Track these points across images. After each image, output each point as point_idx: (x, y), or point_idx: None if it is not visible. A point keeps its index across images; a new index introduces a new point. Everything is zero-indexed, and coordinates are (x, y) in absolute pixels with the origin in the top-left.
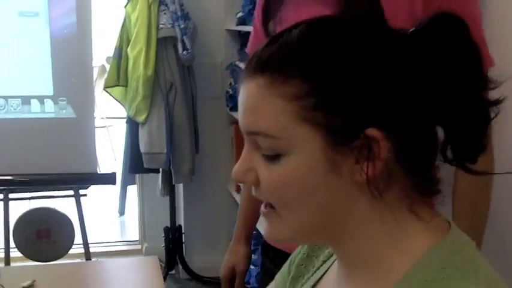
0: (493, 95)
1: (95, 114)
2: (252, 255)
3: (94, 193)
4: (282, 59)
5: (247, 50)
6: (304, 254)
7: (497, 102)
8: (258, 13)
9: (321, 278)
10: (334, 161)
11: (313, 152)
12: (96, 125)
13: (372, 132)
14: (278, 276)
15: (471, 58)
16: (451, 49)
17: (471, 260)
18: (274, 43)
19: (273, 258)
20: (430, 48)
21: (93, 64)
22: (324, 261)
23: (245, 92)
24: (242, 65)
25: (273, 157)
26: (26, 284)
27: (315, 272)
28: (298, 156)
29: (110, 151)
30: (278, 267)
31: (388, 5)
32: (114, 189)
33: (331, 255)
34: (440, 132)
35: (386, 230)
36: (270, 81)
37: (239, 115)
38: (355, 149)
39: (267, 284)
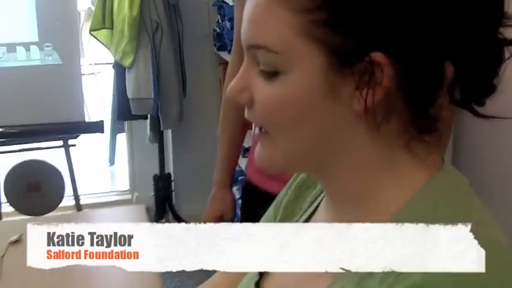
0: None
1: (82, 61)
2: None
3: (84, 143)
4: None
5: None
6: (291, 196)
7: None
8: None
9: (308, 218)
10: (334, 84)
11: (314, 72)
12: (84, 72)
13: (377, 56)
14: (263, 220)
15: None
16: None
17: (464, 200)
18: None
19: (253, 195)
20: None
21: (80, 7)
22: (311, 202)
23: (252, 2)
24: (230, 1)
25: (272, 74)
26: (13, 238)
27: (303, 214)
28: (297, 74)
29: (98, 98)
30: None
31: None
32: (104, 138)
33: (318, 195)
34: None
35: (382, 164)
36: None
37: (242, 27)
38: (357, 73)
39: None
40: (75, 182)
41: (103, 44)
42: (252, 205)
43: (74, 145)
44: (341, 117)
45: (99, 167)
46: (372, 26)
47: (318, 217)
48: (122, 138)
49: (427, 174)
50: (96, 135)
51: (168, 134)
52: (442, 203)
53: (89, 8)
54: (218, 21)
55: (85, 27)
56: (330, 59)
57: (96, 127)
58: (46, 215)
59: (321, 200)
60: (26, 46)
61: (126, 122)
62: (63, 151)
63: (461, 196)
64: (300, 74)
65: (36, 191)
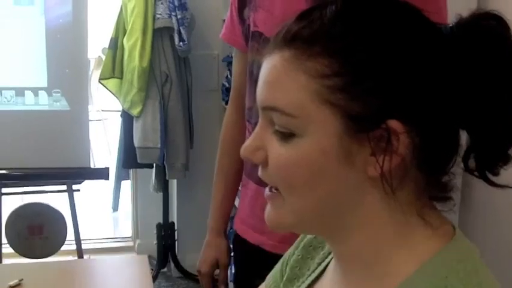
0: None
1: (90, 107)
2: None
3: (88, 188)
4: (312, 33)
5: (221, 35)
6: (299, 255)
7: None
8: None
9: (316, 279)
10: (349, 149)
11: (329, 136)
12: (91, 118)
13: (394, 124)
14: (269, 278)
15: (509, 62)
16: (490, 50)
17: (476, 271)
18: (305, 17)
19: (245, 251)
20: (468, 46)
21: (90, 55)
22: (319, 263)
23: (268, 64)
24: None
25: (287, 136)
26: (12, 283)
27: (310, 274)
28: (312, 138)
29: (105, 145)
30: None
31: None
32: (109, 184)
33: (326, 257)
34: (463, 140)
35: (393, 231)
36: (296, 55)
37: (258, 88)
38: (373, 139)
39: (241, 278)
40: (77, 226)
41: (112, 92)
42: (241, 256)
43: (78, 190)
44: (354, 182)
45: (103, 212)
46: (389, 93)
47: (326, 279)
48: (126, 185)
49: (439, 243)
50: (101, 181)
51: (173, 184)
52: (453, 273)
53: (99, 56)
54: (227, 76)
55: (94, 74)
56: (346, 125)
57: (101, 174)
58: (45, 260)
59: (329, 261)
60: (35, 91)
61: (131, 169)
62: (67, 195)
63: (472, 267)
64: (315, 138)
65: (38, 234)
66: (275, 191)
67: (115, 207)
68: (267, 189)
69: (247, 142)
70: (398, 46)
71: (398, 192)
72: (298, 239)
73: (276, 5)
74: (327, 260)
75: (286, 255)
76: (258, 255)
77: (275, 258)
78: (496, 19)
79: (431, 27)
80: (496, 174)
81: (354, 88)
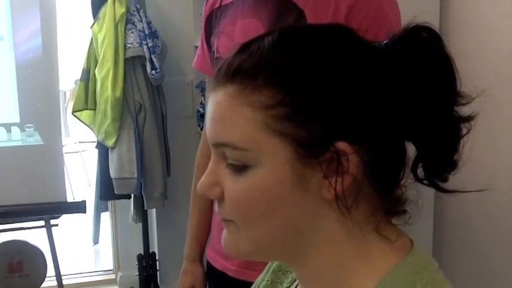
0: (465, 111)
1: (67, 140)
2: None
3: (67, 221)
4: (252, 66)
5: (193, 64)
6: (268, 280)
7: (468, 118)
8: (202, 27)
9: None
10: (302, 174)
11: (281, 165)
12: (69, 151)
13: (342, 145)
14: None
15: (444, 72)
16: (424, 62)
17: (432, 282)
18: (244, 50)
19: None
20: (402, 61)
21: (65, 88)
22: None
23: (213, 101)
24: None
25: (240, 168)
26: None
27: None
28: (265, 168)
29: (84, 177)
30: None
31: (312, 20)
32: (88, 217)
33: (295, 280)
34: (410, 150)
35: (352, 250)
36: (240, 89)
37: (207, 126)
38: (323, 162)
39: None
40: (57, 262)
41: (86, 124)
42: (210, 283)
43: (57, 225)
44: (310, 206)
45: (83, 246)
46: (333, 117)
47: None
48: (106, 217)
49: (397, 258)
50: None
51: (152, 213)
52: (411, 286)
53: (74, 87)
54: (201, 102)
55: (70, 106)
56: (296, 151)
57: (78, 207)
58: None
59: (297, 284)
60: (7, 127)
61: (109, 201)
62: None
63: (429, 278)
64: (267, 168)
65: (18, 272)
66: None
67: (95, 240)
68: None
69: (203, 178)
70: (334, 71)
71: (354, 210)
72: (269, 263)
73: (236, 31)
74: (295, 284)
75: (257, 280)
76: (223, 282)
77: (238, 284)
78: (427, 31)
79: (365, 46)
80: (445, 180)
81: (298, 116)
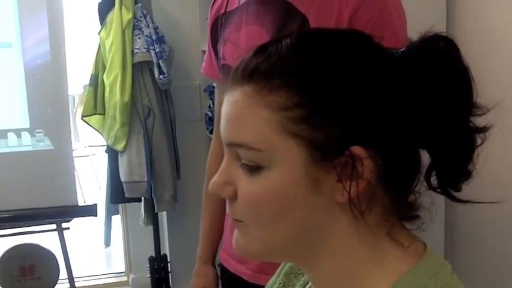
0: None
1: (77, 144)
2: None
3: (79, 224)
4: (270, 67)
5: (202, 69)
6: (280, 283)
7: (483, 129)
8: (208, 33)
9: None
10: (316, 178)
11: (295, 167)
12: (79, 155)
13: (357, 150)
14: None
15: (460, 82)
16: (441, 71)
17: (446, 285)
18: (263, 52)
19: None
20: (420, 69)
21: (74, 93)
22: None
23: (229, 100)
24: None
25: (254, 169)
26: None
27: None
28: (279, 170)
29: (94, 181)
30: None
31: (315, 25)
32: (100, 220)
33: (307, 283)
34: (425, 158)
35: (364, 254)
36: (257, 89)
37: (221, 125)
38: (338, 166)
39: None
40: (69, 264)
41: (95, 129)
42: (224, 285)
43: (68, 228)
44: (323, 209)
45: (95, 249)
46: (349, 121)
47: None
48: (117, 220)
49: (410, 262)
50: (90, 218)
51: (163, 216)
52: None
53: (83, 92)
54: (209, 105)
55: (79, 110)
56: (311, 154)
57: (89, 211)
58: None
59: (309, 287)
60: (17, 132)
61: (120, 204)
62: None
63: (443, 282)
64: (281, 169)
65: (30, 275)
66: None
67: (107, 243)
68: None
69: (215, 178)
70: (351, 75)
71: (367, 215)
72: (280, 266)
73: (241, 38)
74: (307, 286)
75: (269, 283)
76: (237, 284)
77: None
78: (445, 40)
79: (383, 53)
80: (458, 190)
81: (314, 119)
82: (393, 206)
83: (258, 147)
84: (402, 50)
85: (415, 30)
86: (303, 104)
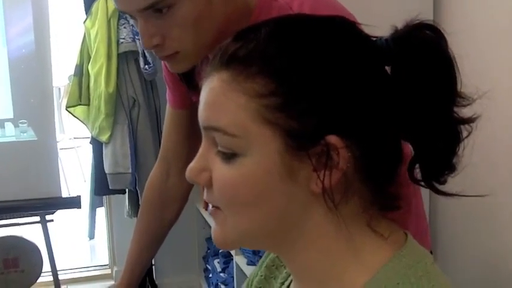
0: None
1: (62, 136)
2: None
3: (63, 217)
4: (248, 54)
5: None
6: (261, 276)
7: (469, 120)
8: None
9: None
10: (291, 166)
11: (271, 155)
12: (64, 146)
13: (332, 139)
14: None
15: (444, 71)
16: (424, 60)
17: (427, 275)
18: (241, 38)
19: None
20: (402, 58)
21: (59, 84)
22: (282, 283)
23: (208, 86)
24: None
25: (230, 156)
26: None
27: None
28: (254, 157)
29: (79, 173)
30: None
31: None
32: (84, 212)
33: (290, 275)
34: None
35: (341, 245)
36: (234, 76)
37: (199, 109)
38: (313, 155)
39: None
40: (53, 257)
41: (80, 120)
42: None
43: (52, 220)
44: (298, 198)
45: (79, 241)
46: (325, 110)
47: None
48: (101, 212)
49: (390, 251)
50: (74, 210)
51: None
52: (405, 279)
53: (68, 83)
54: None
55: (64, 102)
56: (286, 142)
57: (73, 202)
58: None
59: (292, 280)
60: (1, 123)
61: (104, 196)
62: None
63: (423, 271)
64: (257, 157)
65: (14, 267)
66: (217, 209)
67: (91, 235)
68: (210, 205)
69: (192, 164)
70: (329, 64)
71: (343, 206)
72: (262, 258)
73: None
74: (290, 279)
75: (250, 276)
76: None
77: None
78: (431, 29)
79: (365, 40)
80: (443, 183)
81: (290, 107)
82: (373, 197)
83: (234, 133)
84: (385, 38)
85: (401, 19)
86: (280, 92)
